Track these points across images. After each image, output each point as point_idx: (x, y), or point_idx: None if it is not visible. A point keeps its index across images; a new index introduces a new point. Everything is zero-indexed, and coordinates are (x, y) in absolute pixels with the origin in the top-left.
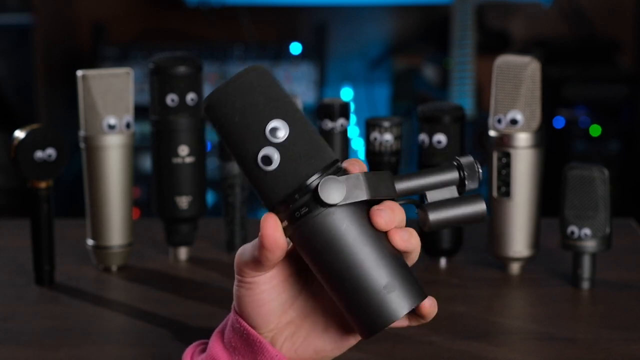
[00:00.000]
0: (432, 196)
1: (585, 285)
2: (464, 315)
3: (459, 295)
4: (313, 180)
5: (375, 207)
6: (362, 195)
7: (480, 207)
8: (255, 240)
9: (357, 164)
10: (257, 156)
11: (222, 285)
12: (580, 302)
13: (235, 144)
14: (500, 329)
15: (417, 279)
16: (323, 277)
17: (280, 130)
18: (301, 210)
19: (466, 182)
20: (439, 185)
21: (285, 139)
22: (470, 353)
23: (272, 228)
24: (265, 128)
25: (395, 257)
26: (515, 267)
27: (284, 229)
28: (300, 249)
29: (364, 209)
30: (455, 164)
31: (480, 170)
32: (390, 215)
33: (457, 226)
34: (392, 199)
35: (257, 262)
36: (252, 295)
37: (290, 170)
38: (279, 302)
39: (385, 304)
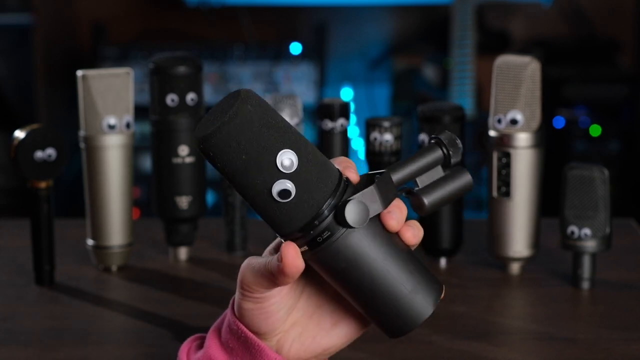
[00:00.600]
0: (422, 181)
1: (585, 285)
2: (464, 315)
3: (459, 295)
4: (328, 203)
5: (385, 211)
6: (379, 208)
7: (466, 178)
8: (268, 261)
9: (350, 165)
10: (270, 190)
11: (222, 285)
12: (580, 302)
13: (245, 181)
14: (500, 329)
15: (430, 270)
16: (348, 293)
17: (291, 160)
18: (323, 234)
19: (451, 155)
20: (427, 167)
21: (297, 167)
22: (470, 353)
23: (294, 257)
24: (275, 160)
25: (411, 256)
26: (515, 267)
27: (302, 252)
28: (320, 269)
29: (375, 216)
30: (435, 141)
31: (459, 141)
32: (399, 215)
33: (450, 202)
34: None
35: (272, 282)
36: (260, 308)
37: (306, 197)
38: (286, 308)
39: (414, 306)
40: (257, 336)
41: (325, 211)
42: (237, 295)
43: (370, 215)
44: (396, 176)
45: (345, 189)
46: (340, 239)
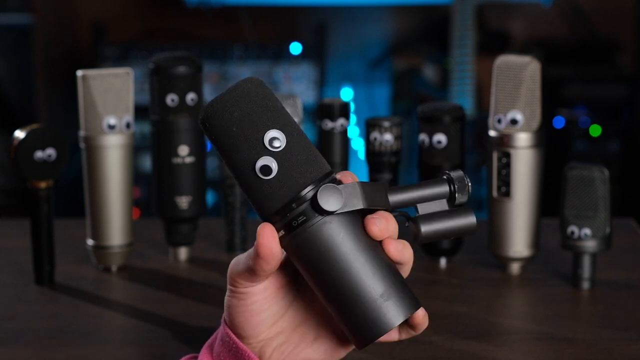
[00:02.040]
0: (423, 209)
1: (585, 285)
2: (464, 315)
3: (459, 295)
4: (309, 189)
5: (369, 216)
6: (359, 204)
7: (470, 220)
8: (250, 251)
9: (350, 176)
10: (254, 165)
11: (222, 285)
12: (580, 302)
13: (232, 154)
14: (500, 329)
15: (410, 289)
16: (318, 287)
17: (279, 139)
18: (298, 219)
19: (456, 196)
20: (430, 198)
21: (283, 149)
22: (470, 353)
23: (269, 237)
24: (263, 137)
25: (390, 266)
26: (515, 267)
27: (280, 238)
28: (295, 259)
29: (359, 219)
30: (446, 177)
31: (470, 184)
32: (384, 224)
33: (447, 238)
34: (386, 210)
35: (252, 272)
36: (244, 305)
37: (287, 179)
38: (271, 312)
39: (381, 313)
40: (242, 340)
41: (305, 196)
42: (226, 294)
43: (348, 208)
44: (393, 196)
45: (331, 182)
46: (315, 226)
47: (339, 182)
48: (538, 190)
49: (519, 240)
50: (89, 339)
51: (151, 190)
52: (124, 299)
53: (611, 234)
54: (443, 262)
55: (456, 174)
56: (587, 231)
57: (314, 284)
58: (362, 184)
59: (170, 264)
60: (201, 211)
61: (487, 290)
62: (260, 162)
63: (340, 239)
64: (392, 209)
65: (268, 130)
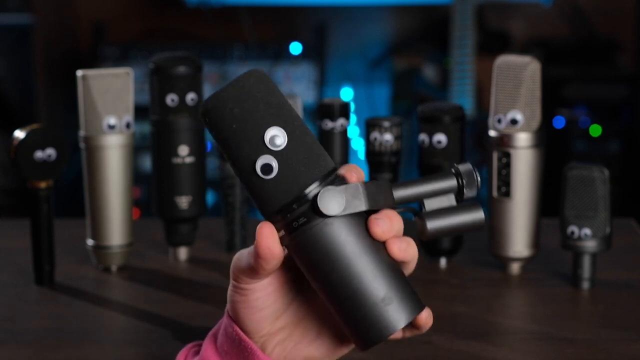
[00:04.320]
0: (430, 204)
1: (585, 285)
2: (464, 315)
3: (459, 295)
4: (311, 189)
5: (373, 217)
6: (361, 205)
7: (478, 215)
8: (252, 247)
9: (355, 170)
10: (254, 164)
11: (222, 285)
12: (580, 302)
13: (233, 150)
14: (500, 329)
15: (414, 290)
16: (320, 288)
17: (279, 137)
18: (299, 220)
19: (464, 190)
20: (437, 193)
21: (284, 147)
22: (470, 353)
23: (268, 237)
24: (263, 135)
25: (393, 268)
26: (515, 267)
27: (281, 238)
28: (297, 259)
29: (362, 219)
30: (454, 171)
31: (479, 178)
32: (388, 224)
33: (455, 234)
34: (391, 208)
35: (253, 270)
36: (246, 301)
37: (288, 179)
38: (273, 308)
39: (383, 316)
40: (245, 334)
41: (307, 196)
42: (229, 288)
43: (349, 211)
44: (398, 191)
45: (334, 182)
46: (316, 228)
47: (343, 179)
48: (538, 190)
49: (519, 240)
50: (89, 339)
51: (151, 190)
52: (124, 299)
53: (611, 234)
54: (443, 262)
55: (464, 167)
56: (587, 231)
57: (316, 284)
58: (365, 184)
59: (170, 264)
60: (201, 211)
61: (487, 290)
62: (261, 161)
63: (341, 241)
64: (397, 205)
65: (269, 127)
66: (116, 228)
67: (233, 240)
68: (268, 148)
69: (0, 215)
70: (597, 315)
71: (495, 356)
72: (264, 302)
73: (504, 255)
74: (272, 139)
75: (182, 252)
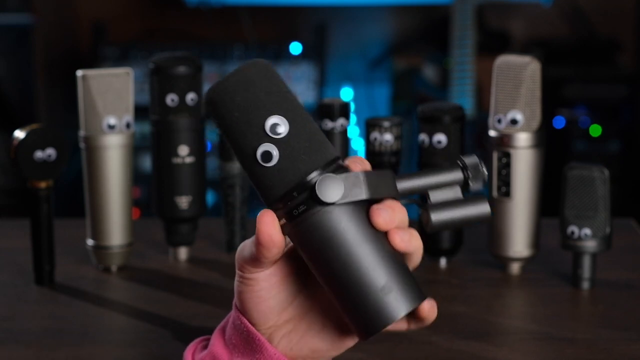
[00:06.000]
0: (435, 196)
1: (585, 285)
2: (464, 315)
3: (459, 295)
4: (312, 177)
5: (374, 206)
6: (362, 194)
7: (484, 208)
8: (254, 237)
9: (360, 161)
10: (256, 152)
11: (222, 285)
12: (580, 302)
13: (235, 138)
14: (500, 329)
15: (416, 281)
16: (321, 276)
17: (280, 126)
18: (299, 208)
19: (470, 183)
20: (442, 185)
21: (285, 135)
22: (470, 353)
23: (268, 225)
24: (264, 124)
25: (394, 257)
26: (515, 267)
27: (282, 226)
28: (298, 247)
29: (363, 208)
30: (460, 164)
31: (485, 171)
32: (390, 214)
33: (460, 227)
34: (394, 199)
35: (255, 259)
36: (251, 291)
37: (289, 167)
38: (278, 299)
39: (383, 305)
40: (254, 327)
41: (308, 184)
42: (235, 279)
43: (349, 199)
44: (402, 182)
45: (335, 170)
46: (317, 215)
47: (345, 169)
48: (538, 190)
49: (519, 240)
50: (89, 339)
51: (151, 190)
52: (124, 299)
53: (611, 234)
54: (443, 262)
55: (470, 160)
56: (587, 231)
57: (317, 273)
58: (367, 172)
59: (170, 264)
60: (201, 211)
61: (487, 290)
62: (261, 149)
63: (341, 229)
64: (401, 196)
65: (270, 116)
66: (116, 228)
67: (233, 240)
68: (269, 136)
69: (0, 215)
70: (597, 315)
71: (495, 356)
72: (269, 292)
73: (504, 255)
74: (273, 127)
75: (182, 252)
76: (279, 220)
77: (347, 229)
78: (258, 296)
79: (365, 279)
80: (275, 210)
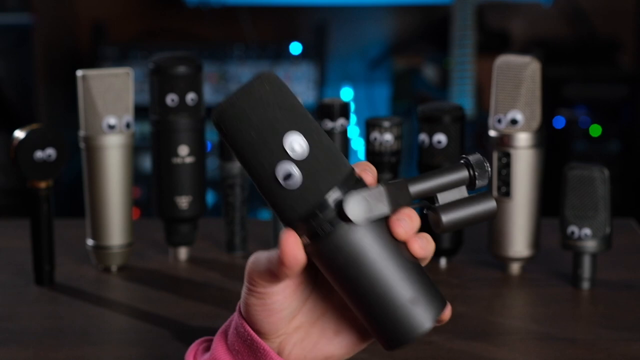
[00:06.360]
0: (442, 198)
1: (585, 285)
2: (464, 315)
3: (459, 295)
4: (332, 194)
5: (394, 217)
6: (385, 209)
7: (490, 204)
8: (271, 253)
9: (369, 169)
10: (274, 172)
11: (222, 285)
12: (580, 302)
13: (251, 160)
14: (500, 329)
15: (436, 287)
16: (345, 292)
17: (299, 143)
18: (323, 226)
19: (476, 181)
20: (450, 185)
21: (304, 153)
22: (470, 353)
23: (292, 246)
24: (283, 142)
25: (416, 267)
26: (515, 267)
27: (305, 245)
28: (320, 265)
29: (383, 220)
30: (464, 162)
31: (489, 168)
32: (409, 224)
33: (469, 226)
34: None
35: (273, 276)
36: (263, 304)
37: (310, 186)
38: (290, 310)
39: (412, 317)
40: (260, 336)
41: (329, 202)
42: (243, 290)
43: (374, 215)
44: (414, 187)
45: (354, 185)
46: (341, 234)
47: (361, 181)
48: (538, 190)
49: (519, 240)
50: (88, 339)
51: (151, 190)
52: (124, 299)
53: (611, 234)
54: (443, 262)
55: (474, 157)
56: (587, 231)
57: (341, 289)
58: (387, 186)
59: (170, 264)
60: (201, 211)
61: (487, 290)
62: (281, 168)
63: (366, 245)
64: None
65: (288, 133)
66: (116, 228)
67: (233, 240)
68: (288, 155)
69: (0, 215)
70: (597, 315)
71: (495, 356)
72: (282, 304)
73: (504, 255)
74: (292, 145)
75: (182, 252)
76: (301, 237)
77: (372, 244)
78: (270, 309)
79: (393, 293)
80: (295, 229)
